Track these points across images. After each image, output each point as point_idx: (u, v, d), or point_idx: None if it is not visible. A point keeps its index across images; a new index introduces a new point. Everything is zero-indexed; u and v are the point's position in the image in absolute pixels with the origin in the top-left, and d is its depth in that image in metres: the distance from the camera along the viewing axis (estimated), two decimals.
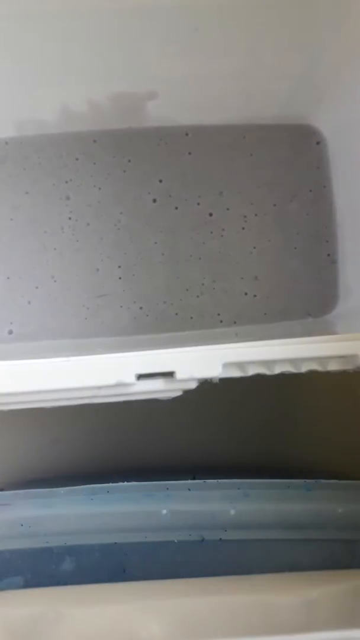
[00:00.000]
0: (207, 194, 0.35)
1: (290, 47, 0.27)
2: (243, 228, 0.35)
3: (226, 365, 0.21)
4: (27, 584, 0.26)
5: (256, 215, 0.35)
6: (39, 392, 0.21)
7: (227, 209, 0.35)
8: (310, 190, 0.35)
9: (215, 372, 0.21)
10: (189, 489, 0.26)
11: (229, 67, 0.29)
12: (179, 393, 0.22)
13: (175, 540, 0.26)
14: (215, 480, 0.27)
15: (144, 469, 0.32)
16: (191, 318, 0.34)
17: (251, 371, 0.21)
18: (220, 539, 0.26)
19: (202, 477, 0.27)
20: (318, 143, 0.35)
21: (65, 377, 0.21)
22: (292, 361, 0.21)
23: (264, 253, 0.35)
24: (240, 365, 0.21)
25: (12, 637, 0.23)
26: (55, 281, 0.34)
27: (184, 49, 0.27)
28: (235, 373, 0.22)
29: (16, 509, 0.26)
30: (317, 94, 0.31)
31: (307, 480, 0.27)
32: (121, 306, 0.34)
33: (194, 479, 0.27)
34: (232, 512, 0.26)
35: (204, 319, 0.34)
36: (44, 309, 0.34)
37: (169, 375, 0.21)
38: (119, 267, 0.34)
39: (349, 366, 0.21)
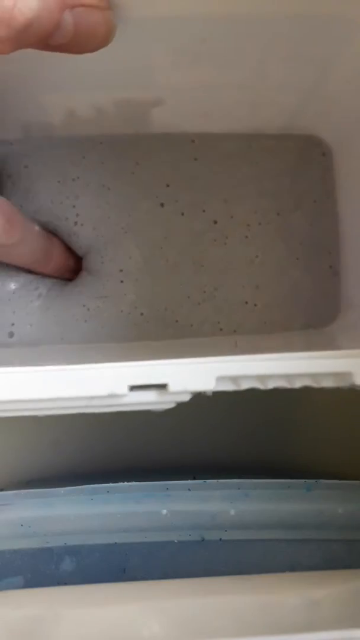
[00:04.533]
0: (213, 201, 0.34)
1: (299, 60, 0.27)
2: (246, 237, 0.34)
3: (220, 379, 0.21)
4: (27, 584, 0.26)
5: (260, 224, 0.34)
6: (28, 401, 0.21)
7: (231, 217, 0.34)
8: (315, 201, 0.34)
9: (208, 385, 0.21)
10: (189, 489, 0.26)
11: (237, 78, 0.29)
12: (172, 405, 0.22)
13: (175, 540, 0.26)
14: (215, 480, 0.27)
15: (144, 469, 0.32)
16: (191, 326, 0.34)
17: (245, 385, 0.21)
18: (220, 539, 0.26)
19: (202, 477, 0.27)
20: (324, 154, 0.34)
21: (57, 387, 0.21)
22: (286, 377, 0.21)
23: (266, 262, 0.34)
24: (233, 379, 0.21)
25: (12, 637, 0.23)
26: (56, 282, 0.34)
27: (192, 59, 0.27)
28: (229, 387, 0.21)
29: (16, 509, 0.26)
30: (324, 106, 0.31)
31: (307, 480, 0.27)
32: (122, 311, 0.34)
33: (194, 479, 0.27)
34: (232, 512, 0.26)
35: (204, 327, 0.34)
36: (44, 310, 0.34)
37: (162, 387, 0.21)
38: (121, 270, 0.34)
39: (343, 384, 0.21)
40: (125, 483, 0.27)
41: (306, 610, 0.23)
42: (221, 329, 0.34)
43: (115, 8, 0.22)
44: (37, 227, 0.31)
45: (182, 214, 0.34)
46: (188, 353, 0.27)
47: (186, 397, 0.21)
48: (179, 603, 0.24)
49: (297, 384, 0.21)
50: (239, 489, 0.26)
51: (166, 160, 0.34)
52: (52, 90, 0.30)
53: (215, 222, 0.34)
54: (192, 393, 0.21)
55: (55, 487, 0.26)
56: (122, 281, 0.34)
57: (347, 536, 0.26)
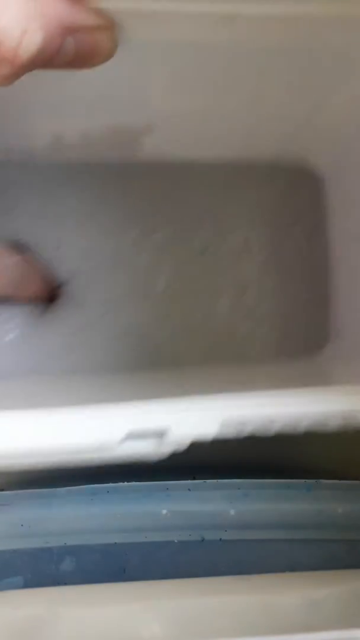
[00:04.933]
0: (202, 229, 0.34)
1: (295, 90, 0.27)
2: (238, 265, 0.34)
3: (224, 424, 0.21)
4: (27, 584, 0.26)
5: (251, 252, 0.34)
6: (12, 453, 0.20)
7: (223, 245, 0.34)
8: (305, 230, 0.35)
9: (211, 430, 0.21)
10: (189, 489, 0.26)
11: (231, 105, 0.29)
12: (166, 455, 0.21)
13: (175, 540, 0.26)
14: (215, 480, 0.27)
15: (144, 469, 0.32)
16: (178, 355, 0.34)
17: (249, 428, 0.21)
18: (220, 539, 0.26)
19: (202, 477, 0.27)
20: (315, 183, 0.34)
21: (47, 436, 0.20)
22: (292, 422, 0.21)
23: (257, 291, 0.34)
24: (241, 423, 0.21)
25: (12, 637, 0.23)
26: (33, 311, 0.34)
27: (187, 84, 0.27)
28: (233, 431, 0.21)
29: (16, 509, 0.26)
30: (317, 135, 0.31)
31: (307, 480, 0.27)
32: (105, 340, 0.33)
33: (194, 479, 0.27)
34: (232, 512, 0.26)
35: (193, 357, 0.34)
36: (24, 342, 0.33)
37: (158, 436, 0.20)
38: (106, 299, 0.34)
39: (350, 422, 0.21)
40: (125, 483, 0.27)
41: (306, 610, 0.23)
42: (207, 360, 0.34)
43: (117, 26, 0.22)
44: (16, 257, 0.31)
45: (171, 242, 0.34)
46: (173, 389, 0.27)
47: (184, 445, 0.21)
48: (179, 603, 0.24)
49: (302, 425, 0.21)
50: (239, 489, 0.26)
51: (155, 188, 0.34)
52: (40, 115, 0.29)
53: (205, 251, 0.34)
54: (192, 440, 0.21)
55: (55, 487, 0.26)
56: (106, 312, 0.34)
57: (347, 536, 0.26)
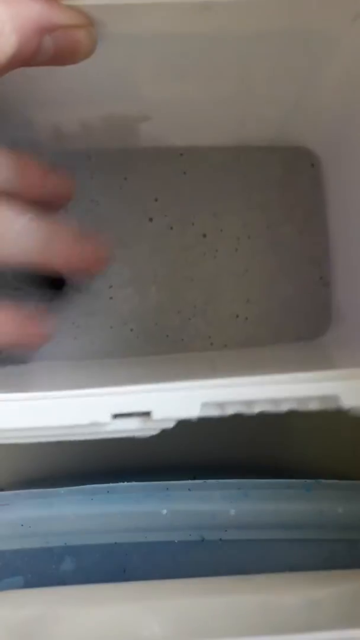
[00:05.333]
0: (202, 214, 0.34)
1: (282, 74, 0.27)
2: (236, 250, 0.34)
3: (205, 405, 0.21)
4: (27, 584, 0.26)
5: (249, 237, 0.34)
6: (6, 430, 0.21)
7: (221, 230, 0.34)
8: (304, 213, 0.34)
9: (193, 412, 0.21)
10: (189, 489, 0.26)
11: (220, 92, 0.29)
12: (157, 432, 0.21)
13: (175, 540, 0.26)
14: (215, 480, 0.27)
15: (144, 469, 0.32)
16: (182, 340, 0.34)
17: (230, 410, 0.21)
18: (220, 539, 0.26)
19: (202, 477, 0.27)
20: (312, 165, 0.34)
21: (36, 416, 0.20)
22: (271, 401, 0.21)
23: (257, 275, 0.34)
24: (219, 405, 0.21)
25: (12, 637, 0.23)
26: (42, 299, 0.34)
27: (174, 74, 0.27)
28: (214, 413, 0.21)
29: (16, 509, 0.26)
30: (310, 118, 0.31)
31: (307, 480, 0.27)
32: (111, 327, 0.34)
33: (194, 479, 0.27)
34: (232, 512, 0.26)
35: (194, 342, 0.34)
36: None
37: (146, 414, 0.21)
38: (110, 287, 0.34)
39: (329, 406, 0.21)
40: (125, 483, 0.27)
41: (306, 610, 0.23)
42: (212, 344, 0.34)
43: (96, 24, 0.22)
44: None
45: (171, 227, 0.34)
46: (175, 373, 0.27)
47: (170, 424, 0.21)
48: (179, 603, 0.24)
49: (284, 408, 0.21)
50: (239, 489, 0.26)
51: (155, 174, 0.34)
52: (38, 106, 0.30)
53: (205, 236, 0.34)
54: (176, 420, 0.21)
55: (55, 487, 0.26)
56: (111, 297, 0.34)
57: (347, 536, 0.26)
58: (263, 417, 0.21)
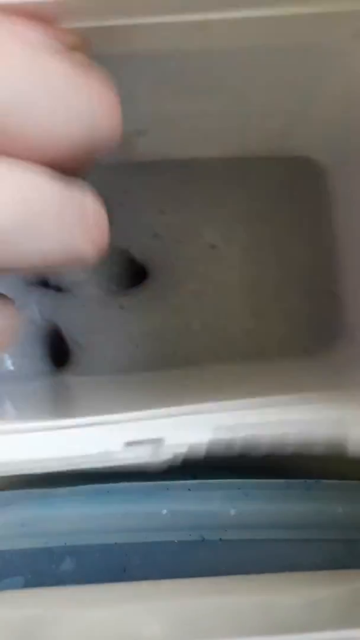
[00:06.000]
0: (209, 225, 0.34)
1: (281, 87, 0.27)
2: (244, 261, 0.34)
3: (217, 429, 0.21)
4: (27, 584, 0.26)
5: (257, 248, 0.34)
6: (16, 462, 0.21)
7: (229, 241, 0.34)
8: (311, 223, 0.34)
9: (205, 437, 0.21)
10: (189, 489, 0.26)
11: (219, 106, 0.28)
12: (169, 456, 0.21)
13: (175, 540, 0.26)
14: (215, 480, 0.27)
15: (145, 469, 0.32)
16: (190, 355, 0.34)
17: (242, 433, 0.21)
18: (220, 539, 0.26)
19: (202, 477, 0.27)
20: (317, 175, 0.34)
21: (46, 449, 0.20)
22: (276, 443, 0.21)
23: (264, 287, 0.34)
24: (231, 428, 0.21)
25: (12, 637, 0.23)
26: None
27: (173, 90, 0.27)
28: (226, 436, 0.21)
29: (16, 509, 0.26)
30: (313, 128, 0.31)
31: (307, 480, 0.27)
32: (118, 342, 0.33)
33: (194, 479, 0.27)
34: (232, 512, 0.26)
35: (201, 357, 0.33)
36: (38, 342, 0.33)
37: (158, 441, 0.21)
38: (121, 307, 0.34)
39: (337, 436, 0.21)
40: (125, 483, 0.26)
41: (306, 610, 0.23)
42: (219, 358, 0.34)
43: (91, 45, 0.22)
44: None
45: (178, 240, 0.34)
46: (184, 393, 0.27)
47: (183, 449, 0.21)
48: (179, 603, 0.24)
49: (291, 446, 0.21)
50: (239, 489, 0.26)
51: (156, 186, 0.34)
52: None
53: (213, 247, 0.34)
54: (188, 445, 0.21)
55: (55, 487, 0.26)
56: (121, 307, 0.34)
57: (347, 536, 0.26)
58: None
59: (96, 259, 0.22)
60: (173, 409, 0.21)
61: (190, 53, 0.24)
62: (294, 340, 0.34)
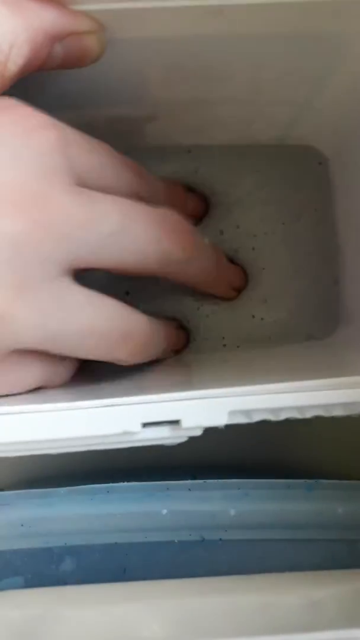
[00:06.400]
0: (217, 211, 0.34)
1: (292, 76, 0.27)
2: (253, 248, 0.34)
3: (232, 413, 0.21)
4: (27, 584, 0.26)
5: (266, 234, 0.34)
6: (38, 442, 0.21)
7: (237, 227, 0.34)
8: (315, 210, 0.34)
9: (221, 420, 0.21)
10: (189, 489, 0.26)
11: (229, 93, 0.29)
12: (185, 439, 0.22)
13: (175, 540, 0.26)
14: (215, 480, 0.27)
15: (144, 469, 0.32)
16: (194, 340, 0.34)
17: (257, 418, 0.22)
18: (220, 539, 0.26)
19: (202, 477, 0.27)
20: (320, 164, 0.34)
21: (67, 427, 0.21)
22: (297, 409, 0.22)
23: (273, 274, 0.34)
24: (246, 412, 0.21)
25: (12, 637, 0.23)
26: None
27: (182, 75, 0.27)
28: (241, 420, 0.22)
29: (16, 509, 0.26)
30: (318, 118, 0.31)
31: (307, 480, 0.27)
32: None
33: (194, 479, 0.27)
34: (232, 512, 0.26)
35: (207, 342, 0.34)
36: None
37: (175, 423, 0.21)
38: (127, 292, 0.34)
39: (354, 412, 0.21)
40: (125, 483, 0.27)
41: (306, 610, 0.23)
42: (225, 345, 0.34)
43: (106, 29, 0.22)
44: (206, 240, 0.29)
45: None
46: (199, 378, 0.27)
47: (198, 432, 0.21)
48: (179, 603, 0.24)
49: (308, 415, 0.22)
50: (239, 489, 0.26)
51: (164, 172, 0.34)
52: (44, 110, 0.30)
53: (222, 233, 0.34)
54: (204, 428, 0.21)
55: (55, 487, 0.26)
56: (127, 292, 0.34)
57: (347, 536, 0.26)
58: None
59: (185, 259, 0.26)
60: (190, 393, 0.21)
61: (203, 39, 0.24)
62: (300, 326, 0.34)
